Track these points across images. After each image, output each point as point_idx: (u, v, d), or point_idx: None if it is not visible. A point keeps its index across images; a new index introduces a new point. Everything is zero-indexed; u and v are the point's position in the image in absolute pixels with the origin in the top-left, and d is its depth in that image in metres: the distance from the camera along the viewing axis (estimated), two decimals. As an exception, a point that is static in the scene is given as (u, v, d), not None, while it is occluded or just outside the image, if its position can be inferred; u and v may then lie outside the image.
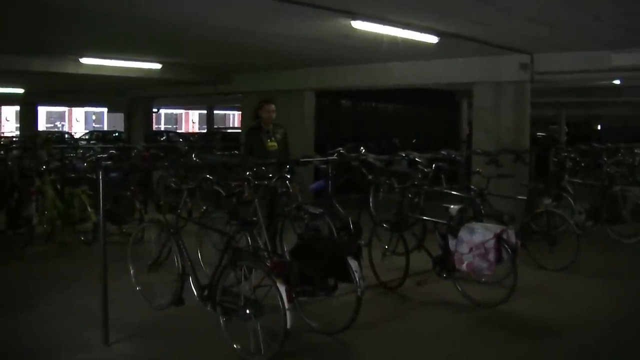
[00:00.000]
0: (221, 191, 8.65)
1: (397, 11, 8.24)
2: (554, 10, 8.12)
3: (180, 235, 6.58)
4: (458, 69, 12.85)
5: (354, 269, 5.89)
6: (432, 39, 9.71)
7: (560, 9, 8.06)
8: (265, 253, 6.78)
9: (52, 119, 54.55)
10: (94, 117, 57.68)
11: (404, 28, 8.98)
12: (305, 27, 9.43)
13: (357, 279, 5.86)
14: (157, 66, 14.29)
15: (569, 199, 10.56)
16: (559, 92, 22.07)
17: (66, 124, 55.84)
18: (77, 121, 56.34)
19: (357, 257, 6.15)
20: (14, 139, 24.75)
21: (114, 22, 9.34)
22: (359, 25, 8.52)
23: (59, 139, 28.29)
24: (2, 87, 20.43)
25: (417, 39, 9.60)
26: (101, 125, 53.93)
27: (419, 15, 8.46)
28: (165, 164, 12.61)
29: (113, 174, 11.06)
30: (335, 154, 11.03)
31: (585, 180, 11.55)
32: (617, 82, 18.09)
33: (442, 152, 10.42)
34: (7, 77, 16.79)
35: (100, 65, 13.75)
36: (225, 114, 57.43)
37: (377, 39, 9.58)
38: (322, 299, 6.27)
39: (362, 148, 12.42)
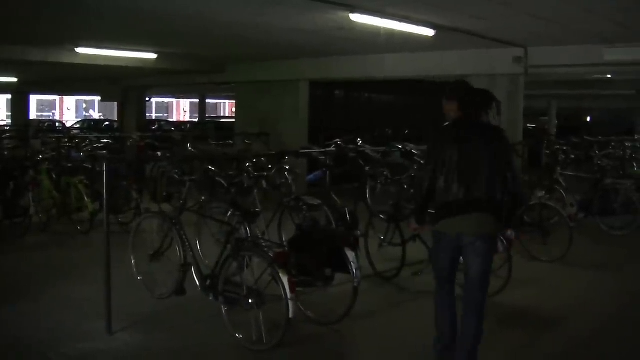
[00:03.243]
0: (222, 182, 8.70)
1: (396, 5, 8.30)
2: (550, 4, 8.20)
3: (182, 225, 6.64)
4: (452, 61, 12.89)
5: (350, 259, 5.96)
6: (429, 32, 9.77)
7: (556, 4, 8.14)
8: (265, 243, 6.84)
9: (43, 107, 54.31)
10: (84, 106, 57.47)
11: (401, 21, 9.05)
12: (303, 20, 9.47)
13: (354, 270, 5.93)
14: (153, 56, 14.29)
15: (561, 191, 10.67)
16: (551, 85, 22.16)
17: (57, 112, 55.60)
18: (68, 110, 56.12)
19: (354, 247, 6.23)
20: (6, 128, 24.62)
21: (111, 13, 9.36)
22: (357, 18, 8.56)
23: (50, 128, 28.22)
24: (-5, 76, 20.35)
25: (413, 32, 9.66)
26: (91, 114, 53.75)
27: (417, 8, 8.51)
28: (167, 155, 12.64)
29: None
30: (333, 146, 11.07)
31: (577, 173, 11.65)
32: (608, 75, 18.20)
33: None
34: (1, 66, 16.72)
35: (96, 55, 13.71)
36: (217, 102, 57.34)
37: (372, 31, 9.62)
38: (319, 289, 6.31)
39: (359, 140, 12.49)
